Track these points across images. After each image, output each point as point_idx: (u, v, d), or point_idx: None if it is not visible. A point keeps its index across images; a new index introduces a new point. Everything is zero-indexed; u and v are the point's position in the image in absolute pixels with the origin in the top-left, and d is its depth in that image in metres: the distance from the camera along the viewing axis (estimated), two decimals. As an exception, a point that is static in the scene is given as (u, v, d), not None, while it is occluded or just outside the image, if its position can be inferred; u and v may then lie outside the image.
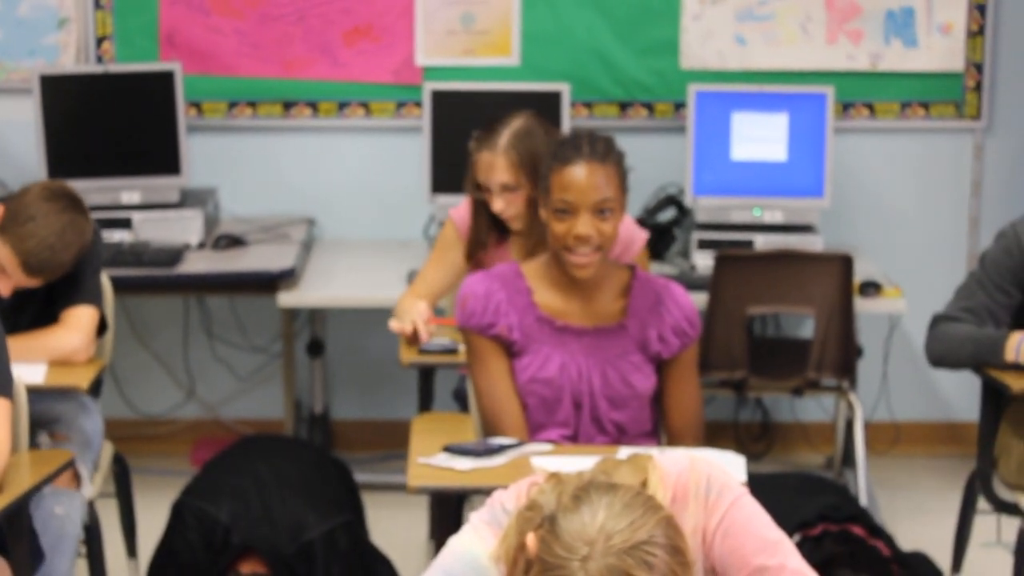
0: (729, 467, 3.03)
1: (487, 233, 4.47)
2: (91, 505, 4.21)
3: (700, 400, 3.76)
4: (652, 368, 3.70)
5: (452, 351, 4.29)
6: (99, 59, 5.74)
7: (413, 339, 4.33)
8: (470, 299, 3.67)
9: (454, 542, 2.48)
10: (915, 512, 5.40)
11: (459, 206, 4.59)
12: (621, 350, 3.68)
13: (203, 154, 5.77)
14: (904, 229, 5.91)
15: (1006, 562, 4.33)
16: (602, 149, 3.57)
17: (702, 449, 3.45)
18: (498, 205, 4.35)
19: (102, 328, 4.30)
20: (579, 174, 3.53)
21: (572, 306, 3.68)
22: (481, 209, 4.45)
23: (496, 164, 4.33)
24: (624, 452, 2.58)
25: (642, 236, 4.52)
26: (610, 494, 2.27)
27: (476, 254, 4.40)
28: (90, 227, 4.13)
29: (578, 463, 2.52)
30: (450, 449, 3.51)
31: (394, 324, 4.38)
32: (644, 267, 4.38)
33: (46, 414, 4.11)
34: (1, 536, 3.29)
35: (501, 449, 3.49)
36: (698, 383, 3.76)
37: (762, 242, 5.36)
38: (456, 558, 2.45)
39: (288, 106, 5.81)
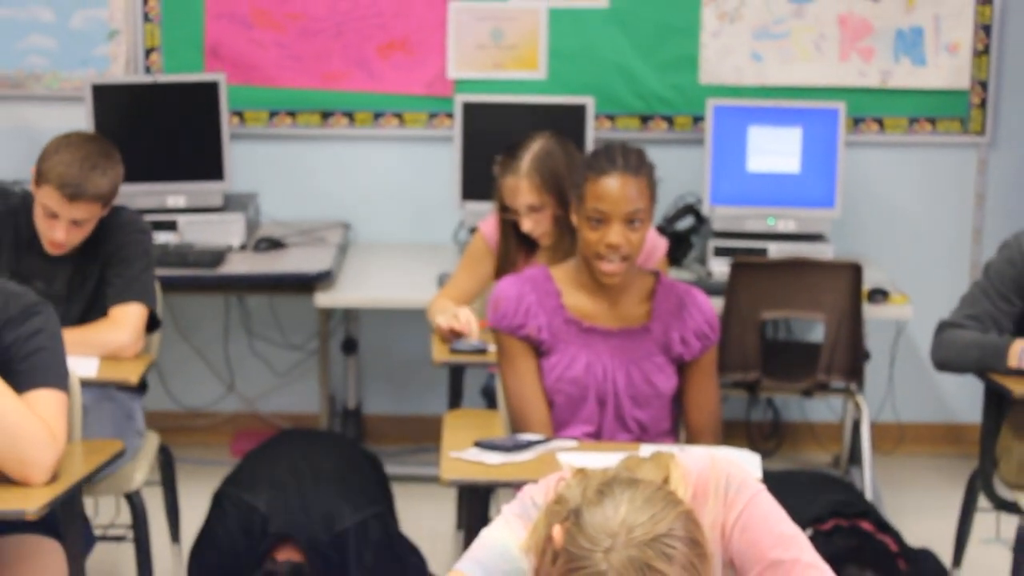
0: (746, 465, 3.04)
1: (516, 251, 4.50)
2: (138, 493, 4.24)
3: (719, 400, 3.77)
4: (674, 369, 3.71)
5: (482, 351, 4.31)
6: (147, 69, 5.77)
7: (450, 337, 4.34)
8: (502, 301, 3.68)
9: (486, 533, 2.48)
10: (918, 509, 5.39)
11: (488, 219, 4.61)
12: (645, 351, 3.69)
13: (245, 161, 5.80)
14: (911, 239, 5.91)
15: (1005, 558, 4.33)
16: (635, 162, 3.58)
17: (721, 447, 3.46)
18: (527, 225, 4.38)
19: (155, 324, 4.32)
20: (613, 185, 3.54)
21: (599, 309, 3.69)
22: (509, 229, 4.48)
23: (521, 187, 4.36)
24: (647, 450, 2.59)
25: (663, 244, 4.56)
26: (632, 489, 2.28)
27: (506, 271, 4.39)
28: (118, 156, 4.15)
29: (602, 459, 2.53)
30: (480, 444, 3.51)
31: (442, 320, 4.37)
32: (663, 273, 4.40)
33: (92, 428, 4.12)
34: (55, 521, 3.31)
35: (529, 445, 3.49)
36: (717, 384, 3.76)
37: (775, 250, 5.36)
38: (488, 549, 2.46)
39: (326, 116, 5.83)
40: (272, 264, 5.35)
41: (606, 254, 3.56)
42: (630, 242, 3.56)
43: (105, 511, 4.52)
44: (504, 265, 4.48)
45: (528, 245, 4.51)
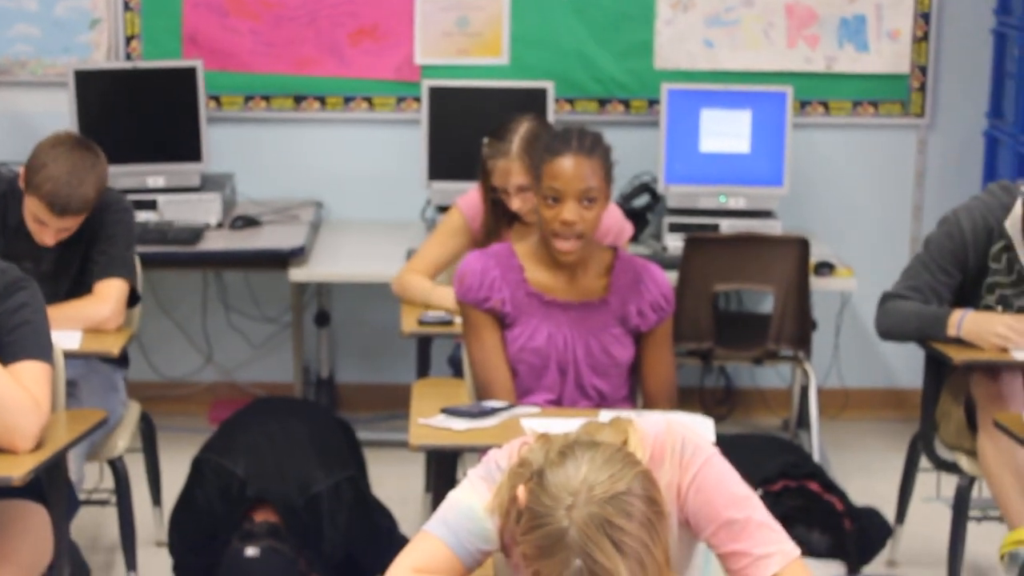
0: (700, 429, 3.03)
1: (503, 225, 4.47)
2: (120, 459, 4.22)
3: (674, 368, 3.75)
4: (631, 340, 3.69)
5: (448, 323, 4.30)
6: (128, 56, 5.72)
7: None
8: (468, 275, 3.66)
9: (453, 496, 2.47)
10: (862, 470, 5.41)
11: (466, 195, 4.57)
12: (603, 323, 3.67)
13: (222, 143, 5.75)
14: (855, 215, 5.91)
15: (945, 515, 4.35)
16: (589, 143, 3.55)
17: (676, 413, 3.45)
18: (516, 204, 4.36)
19: (135, 299, 4.29)
20: (567, 165, 3.51)
21: (559, 283, 3.67)
22: (496, 207, 4.44)
23: (512, 169, 4.33)
24: (606, 415, 2.57)
25: (629, 228, 4.56)
26: (592, 450, 2.28)
27: (490, 243, 4.36)
28: (102, 162, 4.11)
29: (564, 424, 2.52)
30: (447, 411, 3.50)
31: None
32: (622, 248, 4.38)
33: (70, 395, 4.08)
34: (40, 486, 3.28)
35: (493, 411, 3.48)
36: (672, 353, 3.74)
37: (727, 226, 5.34)
38: (456, 510, 2.44)
39: (299, 100, 5.79)
40: (248, 241, 5.32)
41: (561, 231, 3.54)
42: (584, 219, 3.53)
43: (89, 477, 4.49)
44: (490, 240, 4.44)
45: (507, 220, 4.49)
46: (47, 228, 4.07)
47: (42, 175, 3.99)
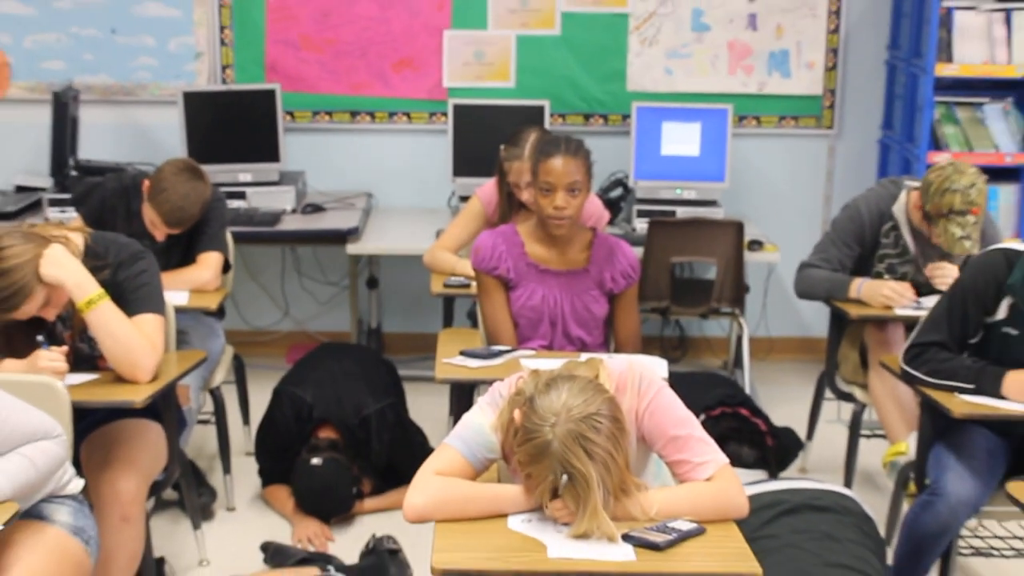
0: (655, 368, 3.07)
1: (513, 211, 4.47)
2: (218, 389, 4.25)
3: (639, 322, 3.77)
4: (606, 300, 3.71)
5: (466, 286, 4.32)
6: (223, 81, 5.73)
7: None
8: (481, 249, 3.68)
9: (466, 417, 2.51)
10: (782, 399, 5.42)
11: (483, 187, 4.56)
12: (585, 287, 3.69)
13: (295, 148, 5.77)
14: (779, 204, 5.92)
15: (843, 433, 4.37)
16: (574, 147, 3.57)
17: (638, 355, 3.48)
18: (526, 196, 4.32)
19: (228, 267, 4.32)
20: (557, 163, 3.54)
21: (551, 255, 3.69)
22: (509, 198, 4.44)
23: (524, 169, 4.30)
24: (583, 357, 2.61)
25: (607, 215, 4.54)
26: (570, 381, 2.32)
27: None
28: (208, 187, 4.13)
29: (551, 363, 2.55)
30: (465, 353, 3.52)
31: None
32: (599, 229, 4.38)
33: (183, 341, 4.11)
34: (157, 408, 3.32)
35: (500, 354, 3.51)
36: (638, 310, 3.76)
37: (681, 212, 5.34)
38: (468, 428, 2.49)
39: (354, 114, 5.80)
40: (315, 223, 5.33)
41: (553, 214, 3.56)
42: (571, 205, 3.55)
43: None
44: (502, 222, 4.43)
45: (517, 208, 4.49)
46: (158, 230, 4.10)
47: (162, 197, 4.01)
